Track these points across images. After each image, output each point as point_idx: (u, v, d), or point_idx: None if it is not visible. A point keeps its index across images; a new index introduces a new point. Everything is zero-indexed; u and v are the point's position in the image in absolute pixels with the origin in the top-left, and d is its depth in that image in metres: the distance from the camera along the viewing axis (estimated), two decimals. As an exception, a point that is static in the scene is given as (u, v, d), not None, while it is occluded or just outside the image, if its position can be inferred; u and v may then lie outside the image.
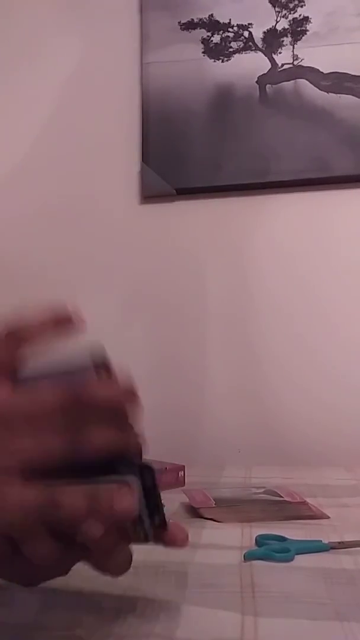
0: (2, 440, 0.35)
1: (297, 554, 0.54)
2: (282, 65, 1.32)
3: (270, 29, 1.34)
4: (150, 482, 0.37)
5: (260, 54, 1.34)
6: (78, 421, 0.36)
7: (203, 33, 1.36)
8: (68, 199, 1.39)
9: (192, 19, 1.37)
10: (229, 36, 1.35)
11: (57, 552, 0.37)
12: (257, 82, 1.33)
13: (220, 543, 0.59)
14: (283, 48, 1.33)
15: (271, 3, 1.34)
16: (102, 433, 0.36)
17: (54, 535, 0.36)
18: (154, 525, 0.38)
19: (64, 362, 0.39)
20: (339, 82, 1.29)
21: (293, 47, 1.32)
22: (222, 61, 1.35)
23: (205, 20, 1.36)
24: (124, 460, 0.38)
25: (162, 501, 0.39)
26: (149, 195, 1.35)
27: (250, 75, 1.33)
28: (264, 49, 1.34)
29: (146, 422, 1.24)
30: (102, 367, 0.39)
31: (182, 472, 0.89)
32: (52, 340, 0.42)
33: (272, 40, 1.33)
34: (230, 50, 1.35)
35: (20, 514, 0.34)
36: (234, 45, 1.35)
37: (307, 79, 1.31)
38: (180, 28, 1.37)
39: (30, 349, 0.41)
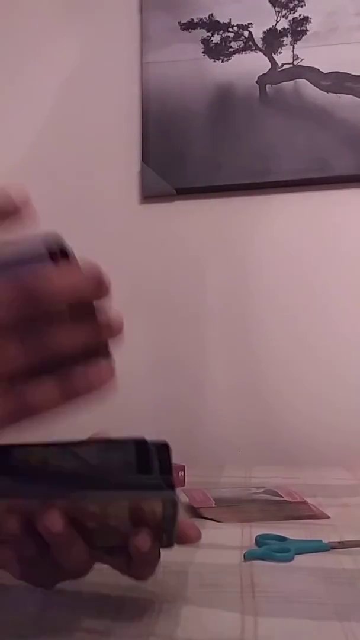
0: None
1: (297, 554, 0.54)
2: (282, 65, 1.32)
3: (270, 29, 1.34)
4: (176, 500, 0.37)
5: (260, 54, 1.34)
6: (37, 320, 0.32)
7: (203, 33, 1.36)
8: (68, 199, 1.39)
9: (192, 19, 1.37)
10: (229, 36, 1.35)
11: (87, 559, 0.38)
12: (257, 82, 1.33)
13: (220, 543, 0.59)
14: (283, 48, 1.33)
15: (271, 3, 1.34)
16: (68, 331, 0.33)
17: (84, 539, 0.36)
18: (174, 534, 0.39)
19: (14, 253, 0.34)
20: (339, 82, 1.29)
21: (293, 47, 1.32)
22: (222, 61, 1.35)
23: (205, 20, 1.36)
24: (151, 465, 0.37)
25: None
26: (149, 195, 1.35)
27: (250, 75, 1.33)
28: (264, 49, 1.34)
29: (146, 422, 1.25)
30: (60, 255, 0.34)
31: (182, 472, 0.89)
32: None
33: (272, 40, 1.33)
34: (230, 50, 1.35)
35: None
36: (234, 45, 1.35)
37: (307, 79, 1.31)
38: (180, 28, 1.37)
39: None
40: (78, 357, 0.34)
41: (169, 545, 0.40)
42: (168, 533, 0.38)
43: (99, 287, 0.34)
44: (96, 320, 0.34)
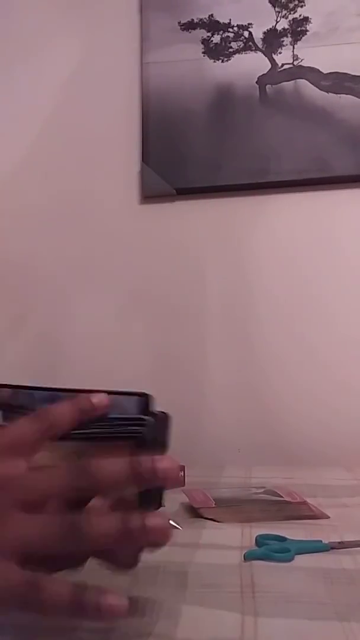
0: (6, 522, 0.35)
1: (297, 554, 0.54)
2: (282, 65, 1.32)
3: (270, 29, 1.34)
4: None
5: (260, 54, 1.34)
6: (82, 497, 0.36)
7: (203, 33, 1.36)
8: (68, 199, 1.39)
9: (192, 19, 1.37)
10: (229, 36, 1.35)
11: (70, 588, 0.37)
12: (257, 82, 1.33)
13: (220, 543, 0.59)
14: (283, 48, 1.33)
15: (271, 3, 1.34)
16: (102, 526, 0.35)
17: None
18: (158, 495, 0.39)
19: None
20: (339, 82, 1.29)
21: (293, 47, 1.32)
22: (222, 61, 1.35)
23: (205, 20, 1.36)
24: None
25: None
26: (149, 195, 1.35)
27: (250, 75, 1.33)
28: (264, 49, 1.34)
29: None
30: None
31: (182, 472, 0.88)
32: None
33: (272, 40, 1.33)
34: (230, 50, 1.35)
35: (4, 591, 0.35)
36: (234, 45, 1.35)
37: (307, 79, 1.31)
38: (180, 28, 1.37)
39: (53, 434, 0.41)
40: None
41: (151, 505, 0.39)
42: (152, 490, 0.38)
43: (177, 478, 0.39)
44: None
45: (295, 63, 1.32)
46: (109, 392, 0.40)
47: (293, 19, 1.33)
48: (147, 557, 0.41)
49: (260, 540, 0.58)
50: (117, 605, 0.34)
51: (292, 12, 1.33)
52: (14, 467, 0.38)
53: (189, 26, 1.37)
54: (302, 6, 1.32)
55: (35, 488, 0.37)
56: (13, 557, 0.35)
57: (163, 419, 0.39)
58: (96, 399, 0.41)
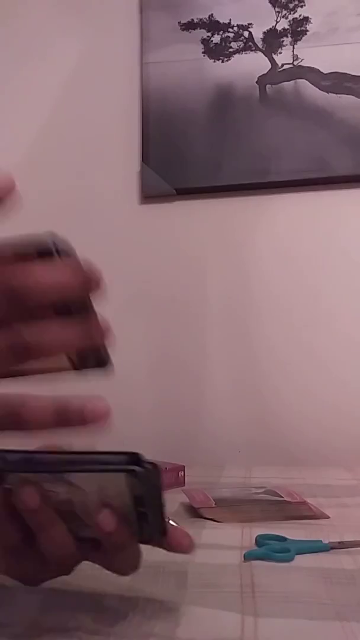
0: None
1: (297, 554, 0.54)
2: (282, 65, 1.32)
3: (270, 29, 1.34)
4: (155, 481, 0.37)
5: (260, 54, 1.34)
6: (22, 317, 0.32)
7: (203, 33, 1.36)
8: (68, 199, 1.39)
9: (192, 19, 1.37)
10: (229, 36, 1.35)
11: (70, 544, 0.37)
12: (257, 82, 1.33)
13: (220, 543, 0.59)
14: (283, 48, 1.33)
15: (271, 3, 1.34)
16: (55, 331, 0.33)
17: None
18: (157, 525, 0.38)
19: (4, 248, 0.34)
20: (339, 82, 1.29)
21: (293, 47, 1.32)
22: (222, 61, 1.35)
23: (205, 20, 1.36)
24: (132, 455, 0.37)
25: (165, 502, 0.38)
26: (149, 195, 1.35)
27: (250, 75, 1.33)
28: (264, 49, 1.34)
29: (146, 422, 1.26)
30: (56, 253, 0.35)
31: (182, 472, 0.89)
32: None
33: (272, 41, 1.33)
34: (230, 50, 1.35)
35: None
36: (234, 45, 1.35)
37: (307, 79, 1.31)
38: (180, 28, 1.37)
39: None
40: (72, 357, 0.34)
41: (154, 536, 0.38)
42: (150, 522, 0.37)
43: (87, 283, 0.34)
44: (89, 322, 0.34)
45: (295, 63, 1.32)
46: (97, 453, 0.37)
47: (293, 19, 1.33)
48: (147, 557, 0.41)
49: (260, 540, 0.58)
50: (101, 408, 0.33)
51: (292, 12, 1.33)
52: None
53: (189, 26, 1.37)
54: (302, 6, 1.32)
55: None
56: None
57: (154, 473, 0.36)
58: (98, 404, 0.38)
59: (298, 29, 1.32)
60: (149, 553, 0.42)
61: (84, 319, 0.34)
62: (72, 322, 0.33)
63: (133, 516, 0.37)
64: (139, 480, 0.35)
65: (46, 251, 0.34)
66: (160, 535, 0.38)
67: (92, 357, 0.36)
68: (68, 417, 0.35)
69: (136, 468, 0.35)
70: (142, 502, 0.36)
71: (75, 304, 0.34)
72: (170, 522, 0.65)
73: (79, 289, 0.33)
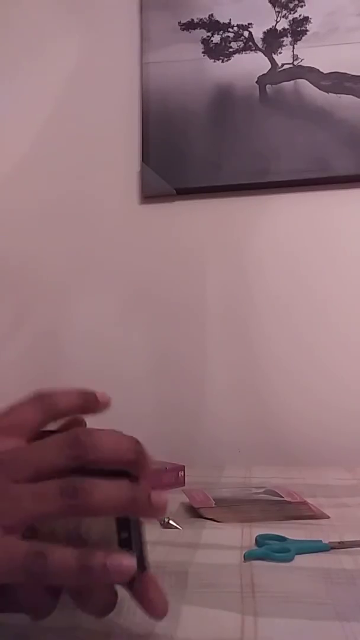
0: (5, 496, 0.35)
1: (297, 554, 0.54)
2: (282, 65, 1.32)
3: (270, 29, 1.34)
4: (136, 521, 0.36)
5: (260, 54, 1.34)
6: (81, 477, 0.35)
7: (203, 33, 1.36)
8: (68, 199, 1.39)
9: (192, 19, 1.37)
10: (229, 36, 1.35)
11: (44, 601, 0.36)
12: (257, 82, 1.33)
13: (220, 543, 0.59)
14: (283, 48, 1.33)
15: (271, 3, 1.34)
16: (105, 493, 0.34)
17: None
18: (137, 555, 0.36)
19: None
20: (339, 82, 1.29)
21: (293, 47, 1.32)
22: (222, 61, 1.35)
23: (205, 20, 1.36)
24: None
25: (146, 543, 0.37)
26: (149, 195, 1.35)
27: (250, 75, 1.33)
28: (264, 49, 1.34)
29: (147, 422, 1.25)
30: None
31: (182, 472, 0.89)
32: (78, 414, 0.42)
33: (272, 40, 1.33)
34: (230, 50, 1.35)
35: (7, 564, 0.33)
36: (234, 45, 1.35)
37: (307, 79, 1.31)
38: (180, 28, 1.37)
39: (54, 418, 0.41)
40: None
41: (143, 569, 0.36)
42: (133, 550, 0.36)
43: (141, 457, 0.37)
44: (133, 487, 0.36)
45: (295, 63, 1.32)
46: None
47: (293, 19, 1.33)
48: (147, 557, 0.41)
49: (260, 540, 0.58)
50: (125, 565, 0.33)
51: (292, 12, 1.33)
52: (13, 444, 0.38)
53: (189, 26, 1.37)
54: (302, 6, 1.32)
55: (32, 459, 0.36)
56: (14, 530, 0.34)
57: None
58: (100, 393, 0.42)
59: (298, 29, 1.32)
60: (149, 553, 0.42)
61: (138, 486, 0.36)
62: (126, 485, 0.36)
63: (114, 541, 0.36)
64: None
65: None
66: (140, 568, 0.35)
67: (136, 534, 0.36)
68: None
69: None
70: (125, 526, 0.36)
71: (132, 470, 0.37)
72: (171, 521, 0.65)
73: (135, 458, 0.37)
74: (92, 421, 0.43)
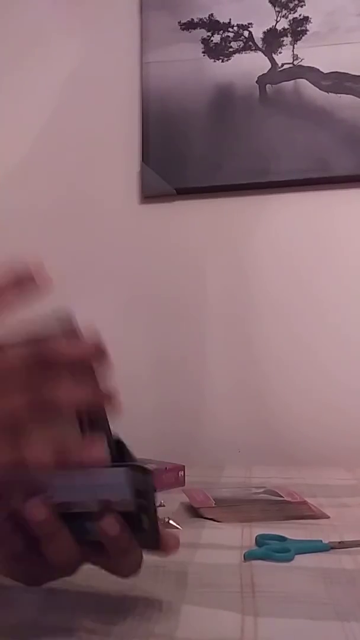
0: None
1: (297, 554, 0.54)
2: (282, 65, 1.32)
3: (270, 28, 1.34)
4: (150, 484, 0.37)
5: (260, 53, 1.34)
6: (43, 378, 0.36)
7: (203, 33, 1.36)
8: (68, 199, 1.39)
9: (192, 19, 1.37)
10: (229, 36, 1.35)
11: (75, 551, 0.38)
12: (257, 82, 1.33)
13: (220, 543, 0.59)
14: (283, 48, 1.33)
15: (271, 3, 1.34)
16: (68, 389, 0.36)
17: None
18: (152, 534, 0.38)
19: (32, 330, 0.39)
20: (339, 82, 1.29)
21: (293, 47, 1.32)
22: (222, 61, 1.35)
23: (205, 20, 1.36)
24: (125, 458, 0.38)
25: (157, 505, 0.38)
26: (149, 195, 1.35)
27: (250, 75, 1.33)
28: (264, 48, 1.34)
29: (147, 423, 1.25)
30: (70, 332, 0.39)
31: (182, 472, 0.89)
32: (17, 301, 0.40)
33: (272, 40, 1.33)
34: (230, 50, 1.35)
35: None
36: (234, 45, 1.35)
37: (307, 79, 1.30)
38: (180, 28, 1.37)
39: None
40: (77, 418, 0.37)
41: (153, 543, 0.39)
42: (149, 531, 0.38)
43: (99, 354, 0.38)
44: (96, 386, 0.38)
45: (295, 63, 1.32)
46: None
47: (293, 18, 1.33)
48: (147, 557, 0.41)
49: (260, 540, 0.58)
50: (96, 452, 0.35)
51: (292, 12, 1.33)
52: None
53: (189, 26, 1.37)
54: (302, 6, 1.32)
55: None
56: None
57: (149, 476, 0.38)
58: (34, 267, 0.41)
59: (298, 29, 1.32)
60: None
61: (92, 382, 0.38)
62: (82, 382, 0.37)
63: (135, 513, 0.37)
64: (138, 475, 0.37)
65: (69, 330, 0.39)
66: (155, 545, 0.39)
67: (101, 422, 0.39)
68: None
69: (135, 463, 0.37)
70: (142, 496, 0.37)
71: (85, 371, 0.38)
72: (171, 521, 0.65)
73: (92, 354, 0.38)
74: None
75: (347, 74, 1.29)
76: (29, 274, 0.41)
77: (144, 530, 0.38)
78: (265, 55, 1.33)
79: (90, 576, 0.41)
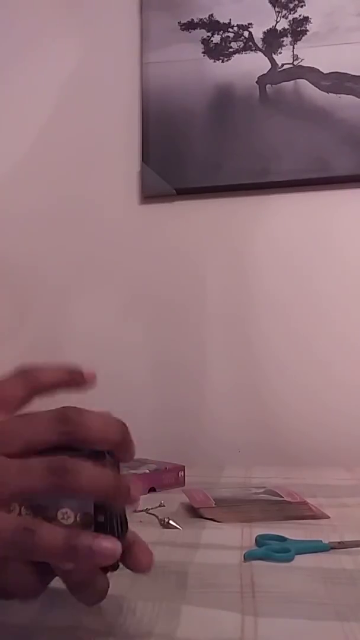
0: None
1: (297, 554, 0.54)
2: (282, 65, 1.32)
3: (270, 29, 1.34)
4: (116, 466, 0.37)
5: (260, 54, 1.34)
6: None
7: (203, 33, 1.36)
8: (68, 199, 1.39)
9: (192, 19, 1.37)
10: (229, 36, 1.35)
11: (31, 581, 0.36)
12: (257, 82, 1.33)
13: (220, 543, 0.59)
14: (283, 48, 1.33)
15: (271, 3, 1.34)
16: (94, 467, 0.35)
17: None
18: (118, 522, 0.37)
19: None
20: (339, 82, 1.29)
21: (293, 47, 1.32)
22: (222, 61, 1.35)
23: (205, 20, 1.36)
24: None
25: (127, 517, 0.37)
26: (149, 195, 1.35)
27: (250, 75, 1.33)
28: (264, 49, 1.34)
29: (147, 423, 1.25)
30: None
31: (182, 472, 0.89)
32: (62, 390, 0.42)
33: (272, 40, 1.33)
34: (230, 50, 1.35)
35: None
36: (234, 45, 1.35)
37: (307, 79, 1.31)
38: (180, 28, 1.37)
39: (39, 393, 0.41)
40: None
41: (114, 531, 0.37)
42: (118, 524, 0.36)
43: (126, 436, 0.38)
44: (119, 475, 0.37)
45: (295, 63, 1.32)
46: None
47: (293, 19, 1.33)
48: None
49: (260, 540, 0.58)
50: (110, 548, 0.33)
51: (292, 12, 1.33)
52: None
53: (189, 26, 1.37)
54: (302, 6, 1.32)
55: (18, 432, 0.36)
56: (1, 503, 0.34)
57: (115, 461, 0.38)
58: (86, 369, 0.42)
59: (298, 29, 1.32)
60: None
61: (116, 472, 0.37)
62: (111, 472, 0.36)
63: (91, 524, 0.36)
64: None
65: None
66: (121, 532, 0.37)
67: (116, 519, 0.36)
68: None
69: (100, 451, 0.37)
70: (102, 511, 0.36)
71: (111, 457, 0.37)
72: (171, 522, 0.65)
73: (121, 440, 0.37)
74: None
75: (347, 74, 1.29)
76: (80, 371, 0.43)
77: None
78: (265, 56, 1.33)
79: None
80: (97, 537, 0.34)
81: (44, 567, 0.35)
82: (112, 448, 0.37)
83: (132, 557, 0.37)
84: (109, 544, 0.33)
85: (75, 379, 0.42)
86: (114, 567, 0.37)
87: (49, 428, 0.36)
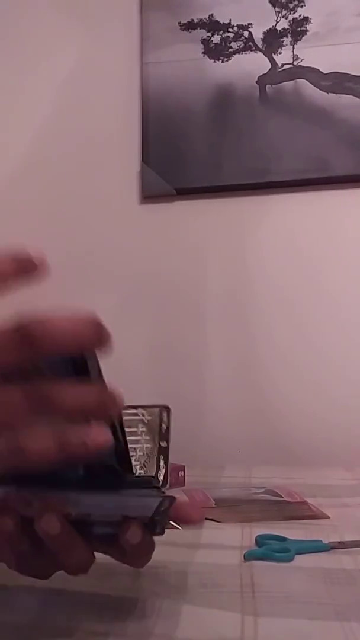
0: None
1: (297, 554, 0.54)
2: (282, 65, 1.32)
3: (270, 29, 1.34)
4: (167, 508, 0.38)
5: (260, 54, 1.34)
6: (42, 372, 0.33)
7: (203, 33, 1.36)
8: (68, 199, 1.39)
9: (192, 19, 1.37)
10: (229, 36, 1.35)
11: (88, 557, 0.38)
12: (257, 82, 1.33)
13: (220, 543, 0.59)
14: (283, 48, 1.33)
15: (271, 3, 1.34)
16: (71, 388, 0.33)
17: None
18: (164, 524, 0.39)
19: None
20: (339, 82, 1.29)
21: (293, 47, 1.32)
22: (222, 61, 1.35)
23: (205, 20, 1.36)
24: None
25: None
26: (149, 195, 1.35)
27: (250, 75, 1.33)
28: (264, 49, 1.34)
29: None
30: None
31: (182, 472, 0.89)
32: (14, 284, 0.38)
33: (272, 41, 1.33)
34: (230, 50, 1.35)
35: None
36: (234, 45, 1.35)
37: (307, 79, 1.31)
38: (180, 28, 1.37)
39: None
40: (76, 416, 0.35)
41: (161, 533, 0.40)
42: (160, 524, 0.39)
43: (99, 333, 0.35)
44: (100, 387, 0.35)
45: (295, 63, 1.32)
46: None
47: (293, 19, 1.33)
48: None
49: (260, 540, 0.58)
50: (102, 436, 0.33)
51: (292, 12, 1.33)
52: None
53: (189, 26, 1.37)
54: (302, 6, 1.32)
55: None
56: None
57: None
58: (33, 251, 0.37)
59: (298, 29, 1.32)
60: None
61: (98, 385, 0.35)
62: (88, 384, 0.34)
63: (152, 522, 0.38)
64: (166, 501, 0.38)
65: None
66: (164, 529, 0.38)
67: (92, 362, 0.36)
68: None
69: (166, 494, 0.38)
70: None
71: (86, 368, 0.36)
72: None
73: (92, 337, 0.35)
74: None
75: (347, 74, 1.29)
76: (28, 256, 0.37)
77: (157, 533, 0.39)
78: (265, 56, 1.33)
79: (90, 576, 0.41)
80: (86, 427, 0.33)
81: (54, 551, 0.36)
82: (87, 350, 0.34)
83: (184, 513, 0.39)
84: (99, 432, 0.33)
85: (25, 267, 0.37)
86: (162, 531, 0.39)
87: (6, 345, 0.32)
